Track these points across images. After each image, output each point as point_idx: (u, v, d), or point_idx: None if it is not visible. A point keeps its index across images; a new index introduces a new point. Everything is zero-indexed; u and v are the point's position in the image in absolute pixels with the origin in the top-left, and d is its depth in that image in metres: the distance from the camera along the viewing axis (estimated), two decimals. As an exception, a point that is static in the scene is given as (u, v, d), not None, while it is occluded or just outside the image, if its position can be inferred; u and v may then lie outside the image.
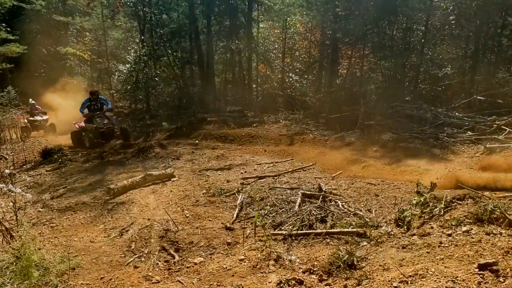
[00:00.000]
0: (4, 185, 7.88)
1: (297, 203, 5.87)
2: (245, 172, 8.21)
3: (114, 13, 17.00)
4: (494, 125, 10.96)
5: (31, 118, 16.94)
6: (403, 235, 4.63)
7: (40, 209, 6.97)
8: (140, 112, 19.45)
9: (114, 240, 5.50)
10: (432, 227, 4.54)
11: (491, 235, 4.05)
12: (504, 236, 3.98)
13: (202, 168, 8.76)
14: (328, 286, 3.89)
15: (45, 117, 17.58)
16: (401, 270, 3.66)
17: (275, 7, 19.95)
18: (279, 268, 4.26)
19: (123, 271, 4.63)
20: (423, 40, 15.39)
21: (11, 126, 14.02)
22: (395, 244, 4.44)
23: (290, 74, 20.32)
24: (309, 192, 6.27)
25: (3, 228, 4.87)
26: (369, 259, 4.16)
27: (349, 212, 5.56)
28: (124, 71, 18.17)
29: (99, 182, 8.34)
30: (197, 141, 12.22)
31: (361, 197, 6.18)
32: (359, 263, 4.09)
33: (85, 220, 6.33)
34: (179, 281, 4.32)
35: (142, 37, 19.28)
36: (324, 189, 6.30)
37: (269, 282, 3.97)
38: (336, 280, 3.93)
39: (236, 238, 5.25)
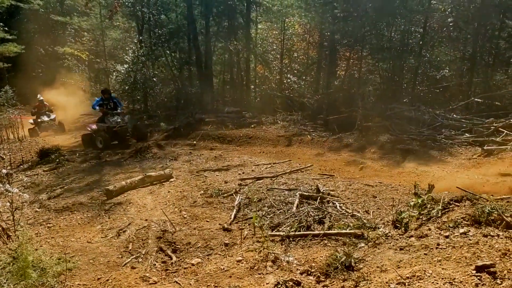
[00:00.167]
0: (1, 185, 7.81)
1: (295, 204, 5.86)
2: (243, 173, 8.20)
3: (112, 13, 17.00)
4: (492, 127, 10.98)
5: (38, 120, 16.71)
6: (400, 236, 4.63)
7: (37, 209, 6.95)
8: (138, 113, 19.41)
9: (111, 241, 5.49)
10: (429, 229, 4.54)
11: (489, 237, 4.05)
12: (501, 238, 3.98)
13: (200, 169, 8.74)
14: (325, 288, 3.89)
15: (52, 116, 17.24)
16: (399, 272, 3.66)
17: (274, 8, 19.97)
18: (277, 269, 4.26)
19: (120, 271, 4.62)
20: (421, 42, 15.42)
21: (8, 126, 13.96)
22: (393, 245, 4.44)
23: (288, 75, 20.34)
24: (307, 193, 6.26)
25: (0, 228, 4.84)
26: (367, 261, 4.16)
27: (346, 214, 5.56)
28: (122, 71, 18.12)
29: (96, 182, 8.33)
30: (195, 142, 12.21)
31: (359, 198, 6.18)
32: (356, 264, 4.09)
33: (82, 221, 6.31)
34: (177, 282, 4.31)
35: (140, 38, 19.26)
36: (322, 191, 6.30)
37: (267, 284, 3.96)
38: (333, 282, 3.92)
39: (233, 239, 5.25)
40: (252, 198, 6.23)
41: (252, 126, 14.49)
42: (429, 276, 3.47)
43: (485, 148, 9.48)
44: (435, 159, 9.61)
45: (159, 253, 5.05)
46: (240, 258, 4.61)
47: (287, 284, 3.90)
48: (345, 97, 15.39)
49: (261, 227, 4.92)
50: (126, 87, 18.32)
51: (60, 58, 23.79)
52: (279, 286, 3.88)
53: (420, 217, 4.86)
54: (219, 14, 19.73)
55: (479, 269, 3.40)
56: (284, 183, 7.12)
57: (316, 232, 5.07)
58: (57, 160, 10.17)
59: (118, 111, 12.55)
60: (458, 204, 4.88)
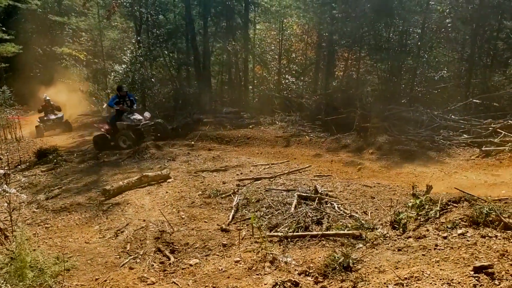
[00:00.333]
0: (-1, 186, 7.82)
1: (293, 205, 5.86)
2: (241, 173, 8.20)
3: (110, 13, 16.96)
4: (490, 128, 10.99)
5: (44, 118, 16.70)
6: (398, 237, 4.63)
7: (35, 210, 6.94)
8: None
9: (109, 241, 5.48)
10: (427, 230, 4.54)
11: (487, 238, 4.05)
12: (499, 239, 3.99)
13: (198, 169, 8.73)
14: (323, 288, 3.89)
15: (59, 115, 17.20)
16: (397, 273, 3.66)
17: (272, 9, 19.96)
18: (275, 270, 4.26)
19: (118, 272, 4.61)
20: (419, 43, 15.44)
21: (5, 126, 13.93)
22: (391, 246, 4.44)
23: (287, 75, 20.33)
24: (305, 194, 6.27)
25: (-3, 228, 4.83)
26: (365, 261, 4.16)
27: (345, 214, 5.56)
28: (120, 71, 18.09)
29: (94, 182, 8.31)
30: (193, 142, 12.19)
31: (357, 199, 6.18)
32: (354, 265, 4.09)
33: (80, 221, 6.30)
34: (174, 283, 4.30)
35: (138, 38, 19.23)
36: (320, 191, 6.30)
37: (265, 284, 3.96)
38: (331, 282, 3.92)
39: (231, 240, 5.24)
40: (250, 198, 6.23)
41: (250, 126, 14.48)
42: (427, 277, 3.48)
43: (483, 149, 9.49)
44: (433, 160, 9.62)
45: (157, 254, 5.04)
46: (238, 258, 4.61)
47: (285, 284, 3.90)
48: (343, 97, 15.36)
49: (259, 228, 4.92)
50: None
51: (58, 58, 23.75)
52: (277, 287, 3.88)
53: (418, 218, 4.86)
54: (217, 15, 19.71)
55: (477, 270, 3.40)
56: (282, 184, 7.12)
57: (314, 232, 5.07)
58: (55, 160, 10.16)
59: (134, 108, 12.19)
60: (456, 205, 4.89)
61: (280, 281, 3.93)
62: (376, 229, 4.95)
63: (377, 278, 3.72)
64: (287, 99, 18.03)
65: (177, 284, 4.27)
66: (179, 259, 4.88)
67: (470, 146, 10.25)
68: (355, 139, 12.03)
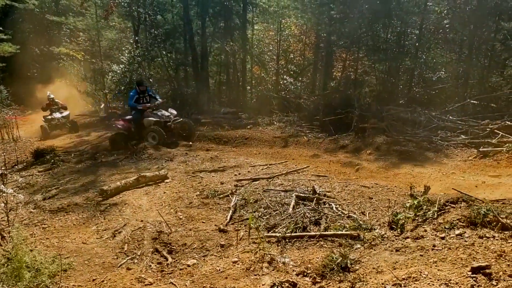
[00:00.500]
0: (-4, 186, 7.80)
1: (291, 206, 5.85)
2: (239, 174, 8.19)
3: (108, 13, 16.95)
4: (487, 129, 11.01)
5: (48, 117, 15.79)
6: (396, 238, 4.63)
7: (32, 210, 6.91)
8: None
9: (106, 242, 5.46)
10: (425, 230, 4.54)
11: (484, 238, 4.06)
12: (497, 239, 3.99)
13: (196, 170, 8.72)
14: (321, 289, 3.88)
15: (65, 114, 16.22)
16: (395, 273, 3.66)
17: (270, 9, 19.98)
18: (273, 270, 4.25)
19: (115, 272, 4.60)
20: (417, 44, 15.47)
21: (2, 126, 13.89)
22: (389, 247, 4.44)
23: (285, 76, 20.34)
24: (303, 195, 6.26)
25: (-6, 229, 4.82)
26: (363, 262, 4.16)
27: (343, 215, 5.56)
28: (118, 71, 18.07)
29: (91, 183, 8.29)
30: (190, 143, 12.18)
31: (355, 199, 6.18)
32: (352, 265, 4.09)
33: (77, 221, 6.28)
34: (172, 283, 4.29)
35: (136, 38, 19.23)
36: (318, 192, 6.29)
37: (263, 285, 3.95)
38: (329, 283, 3.92)
39: (229, 240, 5.23)
40: (248, 199, 6.22)
41: (248, 127, 14.48)
42: (425, 278, 3.48)
43: (480, 149, 9.51)
44: (431, 160, 9.63)
45: (155, 254, 5.03)
46: (236, 259, 4.60)
47: (283, 285, 3.90)
48: (341, 98, 15.37)
49: (257, 228, 4.91)
50: (122, 88, 18.27)
51: (55, 58, 23.71)
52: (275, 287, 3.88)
53: (416, 218, 4.86)
54: (215, 15, 19.72)
55: (475, 270, 3.40)
56: (280, 184, 7.11)
57: (312, 233, 5.07)
58: (52, 160, 10.12)
59: (159, 100, 11.58)
60: (454, 206, 4.89)
61: (278, 282, 3.92)
62: (374, 229, 4.95)
63: (375, 279, 3.72)
64: (285, 99, 18.04)
65: (174, 285, 4.26)
66: (176, 260, 4.86)
67: (467, 147, 10.27)
68: (353, 139, 12.04)
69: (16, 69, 22.33)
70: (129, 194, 7.22)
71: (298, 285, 3.92)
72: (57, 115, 15.80)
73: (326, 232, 5.04)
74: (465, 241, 4.07)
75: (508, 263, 3.47)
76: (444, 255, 3.85)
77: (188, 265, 4.68)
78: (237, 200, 6.47)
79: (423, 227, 4.63)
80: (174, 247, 5.17)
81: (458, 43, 16.34)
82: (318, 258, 4.37)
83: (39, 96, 20.98)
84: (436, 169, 8.71)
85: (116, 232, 5.70)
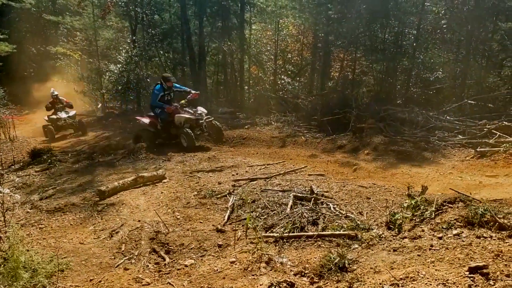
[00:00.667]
0: (-8, 186, 7.77)
1: (289, 206, 5.85)
2: (237, 174, 8.18)
3: (105, 13, 16.92)
4: (485, 129, 11.04)
5: (53, 117, 14.79)
6: (394, 238, 4.64)
7: (29, 210, 6.89)
8: (130, 113, 19.32)
9: (103, 242, 5.45)
10: (423, 230, 4.55)
11: (482, 238, 4.06)
12: (494, 239, 4.00)
13: (193, 170, 8.70)
14: (319, 289, 3.88)
15: (71, 113, 15.16)
16: (392, 273, 3.66)
17: (268, 9, 19.97)
18: (270, 270, 4.24)
19: (112, 273, 4.59)
20: (414, 44, 15.49)
21: (-1, 126, 13.83)
22: (386, 247, 4.44)
23: (282, 76, 20.36)
24: (300, 195, 6.26)
25: (-9, 229, 4.80)
26: (360, 262, 4.16)
27: (340, 215, 5.56)
28: (115, 71, 18.05)
29: (89, 183, 8.27)
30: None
31: (352, 199, 6.18)
32: (350, 265, 4.09)
33: (74, 222, 6.26)
34: (170, 284, 4.28)
35: (134, 38, 19.19)
36: (316, 192, 6.29)
37: (260, 285, 3.94)
38: (327, 283, 3.91)
39: (227, 240, 5.22)
40: (245, 199, 6.21)
41: (246, 127, 14.46)
42: (422, 277, 3.48)
43: (478, 150, 9.52)
44: (429, 160, 9.65)
45: (152, 254, 5.02)
46: (234, 259, 4.59)
47: (280, 285, 3.89)
48: (339, 98, 15.40)
49: (255, 228, 4.90)
50: (119, 87, 18.26)
51: (52, 57, 23.65)
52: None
53: (414, 218, 4.86)
54: (213, 15, 19.70)
55: (472, 270, 3.40)
56: (278, 184, 7.10)
57: (310, 233, 5.06)
58: (49, 160, 10.09)
59: (193, 92, 10.54)
60: (451, 206, 4.90)
61: (275, 282, 3.91)
62: (372, 229, 4.95)
63: (373, 279, 3.72)
64: (283, 99, 18.04)
65: (172, 285, 4.25)
66: (174, 260, 4.85)
67: (465, 147, 10.29)
68: (351, 139, 12.04)
69: (13, 69, 22.28)
70: (126, 194, 7.20)
71: (296, 285, 3.92)
72: (63, 114, 14.79)
73: (324, 232, 5.03)
74: (463, 241, 4.08)
75: (505, 263, 3.48)
76: (442, 255, 3.86)
77: (186, 265, 4.67)
78: (235, 200, 6.45)
79: (421, 227, 4.63)
80: (172, 247, 5.16)
81: (456, 43, 16.38)
82: (316, 258, 4.37)
83: (36, 96, 20.93)
84: (433, 169, 8.72)
85: (113, 232, 5.68)
